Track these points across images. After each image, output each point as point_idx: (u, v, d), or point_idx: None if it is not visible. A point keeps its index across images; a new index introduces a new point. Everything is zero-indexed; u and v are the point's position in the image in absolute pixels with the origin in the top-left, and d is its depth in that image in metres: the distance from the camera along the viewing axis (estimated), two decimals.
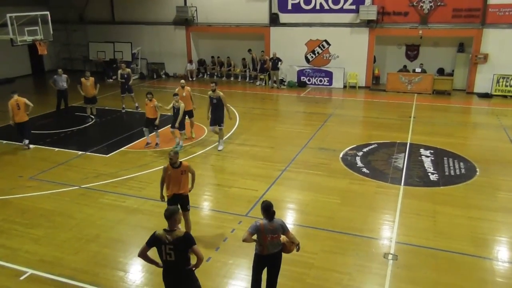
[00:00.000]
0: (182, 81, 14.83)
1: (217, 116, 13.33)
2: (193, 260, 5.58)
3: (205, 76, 26.32)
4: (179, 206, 6.63)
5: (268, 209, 6.11)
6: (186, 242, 5.46)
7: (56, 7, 26.23)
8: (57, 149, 13.86)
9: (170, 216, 5.51)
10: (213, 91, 13.19)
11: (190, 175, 8.21)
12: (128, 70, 18.33)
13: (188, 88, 14.39)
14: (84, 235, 8.75)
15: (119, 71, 18.07)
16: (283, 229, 6.17)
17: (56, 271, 7.55)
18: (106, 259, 7.97)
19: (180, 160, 8.06)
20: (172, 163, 7.94)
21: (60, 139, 14.94)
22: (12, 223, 9.26)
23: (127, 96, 18.05)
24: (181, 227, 6.74)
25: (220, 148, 13.52)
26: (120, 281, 7.30)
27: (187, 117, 13.92)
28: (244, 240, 6.07)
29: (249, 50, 24.43)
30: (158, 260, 5.63)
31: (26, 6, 20.38)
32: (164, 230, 5.50)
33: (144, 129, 13.80)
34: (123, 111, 18.26)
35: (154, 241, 5.50)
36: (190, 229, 8.15)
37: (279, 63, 22.78)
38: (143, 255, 5.60)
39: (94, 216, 9.50)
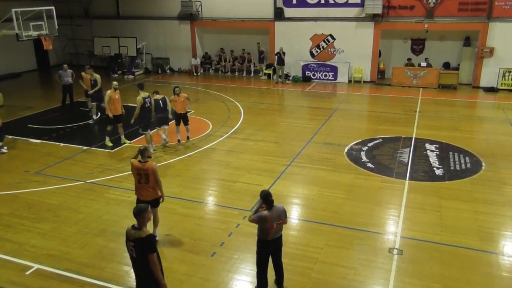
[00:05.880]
0: (115, 82, 13.65)
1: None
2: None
3: (210, 71, 26.31)
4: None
5: (267, 198, 6.35)
6: (144, 246, 5.23)
7: (61, 1, 26.32)
8: (62, 144, 13.92)
9: (136, 214, 5.36)
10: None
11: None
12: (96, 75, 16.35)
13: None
14: (90, 229, 8.81)
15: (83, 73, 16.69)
16: (285, 215, 6.51)
17: (62, 266, 7.60)
18: (112, 253, 8.01)
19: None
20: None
21: (66, 134, 14.99)
22: (19, 217, 9.33)
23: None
24: None
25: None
26: (126, 275, 7.33)
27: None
28: (250, 221, 6.44)
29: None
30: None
31: (31, 1, 20.39)
32: (132, 226, 5.37)
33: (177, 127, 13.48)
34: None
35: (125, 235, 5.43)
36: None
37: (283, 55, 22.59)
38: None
39: (100, 211, 9.55)
